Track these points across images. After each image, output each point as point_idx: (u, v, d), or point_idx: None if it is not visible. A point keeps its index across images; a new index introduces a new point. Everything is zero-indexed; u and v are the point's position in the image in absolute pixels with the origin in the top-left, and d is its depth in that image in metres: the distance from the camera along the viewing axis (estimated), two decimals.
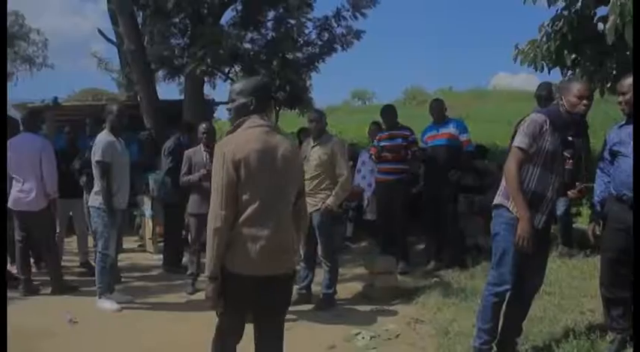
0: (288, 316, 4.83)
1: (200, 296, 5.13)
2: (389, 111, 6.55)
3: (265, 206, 2.68)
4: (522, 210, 3.26)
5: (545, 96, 5.13)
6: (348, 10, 9.32)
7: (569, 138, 3.43)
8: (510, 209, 3.37)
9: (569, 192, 3.40)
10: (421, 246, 7.03)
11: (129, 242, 8.22)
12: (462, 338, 3.99)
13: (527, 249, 3.24)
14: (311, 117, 5.32)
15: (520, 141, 3.33)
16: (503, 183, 3.46)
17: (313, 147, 5.18)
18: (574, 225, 6.30)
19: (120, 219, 5.47)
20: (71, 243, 7.32)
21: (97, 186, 5.23)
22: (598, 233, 3.71)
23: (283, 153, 2.75)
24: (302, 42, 9.53)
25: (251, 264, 2.67)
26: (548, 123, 3.34)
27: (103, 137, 5.28)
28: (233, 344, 2.96)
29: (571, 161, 3.43)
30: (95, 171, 5.23)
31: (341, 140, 5.25)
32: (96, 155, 5.18)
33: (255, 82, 2.91)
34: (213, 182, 2.68)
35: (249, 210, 2.66)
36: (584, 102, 3.34)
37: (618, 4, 4.03)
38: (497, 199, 3.48)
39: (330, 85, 62.03)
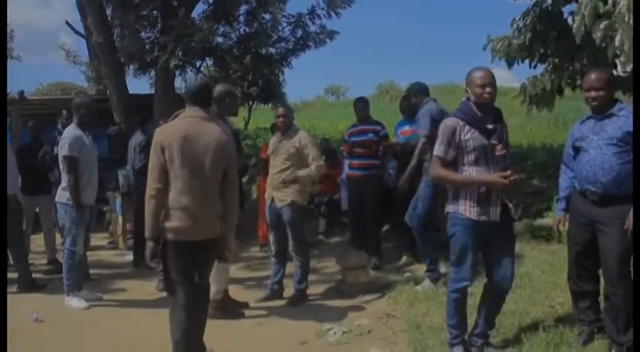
0: (259, 312, 4.89)
1: None
2: (362, 103, 6.54)
3: (187, 183, 3.31)
4: (480, 182, 3.37)
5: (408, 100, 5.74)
6: (322, 9, 9.29)
7: (490, 127, 3.45)
8: (465, 214, 3.43)
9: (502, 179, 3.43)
10: (392, 242, 7.05)
11: (99, 239, 8.10)
12: (433, 333, 4.01)
13: (516, 180, 3.32)
14: (278, 113, 5.35)
15: (437, 149, 3.49)
16: (450, 193, 3.54)
17: (281, 141, 5.17)
18: (543, 220, 6.36)
19: (88, 216, 5.36)
20: (38, 240, 7.17)
21: (65, 181, 5.13)
22: (563, 228, 3.75)
23: (206, 140, 3.35)
24: (275, 38, 9.48)
25: (180, 232, 3.30)
26: (461, 123, 3.42)
27: (71, 131, 5.18)
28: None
29: (500, 146, 3.45)
30: (62, 166, 5.13)
31: (308, 132, 5.28)
32: (63, 149, 5.08)
33: (196, 81, 3.57)
34: (149, 161, 3.35)
35: (175, 187, 3.31)
36: (488, 89, 3.41)
37: (584, 3, 4.08)
38: (448, 208, 3.55)
39: (303, 80, 61.96)
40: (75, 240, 5.16)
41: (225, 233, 3.49)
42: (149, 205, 3.30)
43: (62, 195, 5.17)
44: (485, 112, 3.46)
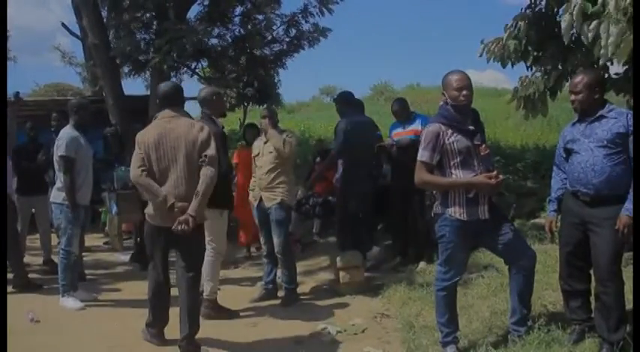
0: (253, 312, 4.91)
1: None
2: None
3: (161, 173, 3.91)
4: (466, 184, 3.41)
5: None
6: (315, 6, 9.32)
7: (471, 127, 3.50)
8: (455, 216, 3.47)
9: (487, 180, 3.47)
10: (386, 242, 7.07)
11: (94, 239, 8.11)
12: (427, 332, 4.05)
13: (497, 187, 3.40)
14: (263, 114, 5.39)
15: (421, 154, 3.50)
16: (438, 196, 3.59)
17: (266, 142, 5.21)
18: (536, 220, 6.41)
19: (83, 216, 5.38)
20: (34, 241, 7.17)
21: (60, 181, 5.15)
22: (555, 229, 3.79)
23: (176, 134, 3.92)
24: (270, 38, 9.50)
25: (153, 218, 4.00)
26: (443, 127, 3.46)
27: (68, 132, 5.21)
28: (154, 280, 4.17)
29: (484, 146, 3.50)
30: (58, 167, 5.15)
31: (294, 134, 5.38)
32: (59, 149, 5.11)
33: (165, 87, 4.21)
34: (133, 154, 3.97)
35: (153, 179, 3.90)
36: (464, 92, 3.46)
37: (573, 3, 4.11)
38: (436, 209, 3.59)
39: (298, 81, 61.97)
40: (70, 240, 5.18)
41: (196, 203, 3.88)
42: (141, 187, 3.97)
43: (57, 195, 5.19)
44: (463, 115, 3.50)
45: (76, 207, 5.13)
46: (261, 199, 5.21)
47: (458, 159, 3.45)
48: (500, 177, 3.42)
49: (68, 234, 5.16)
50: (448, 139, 3.45)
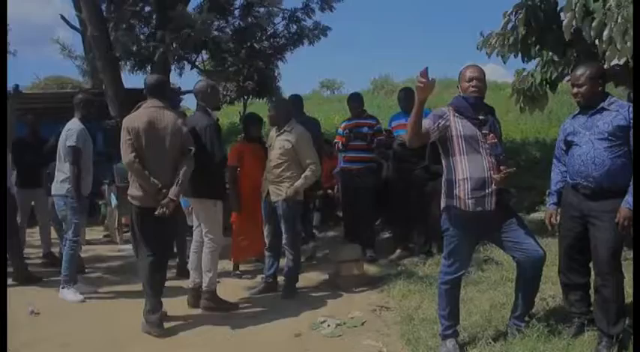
0: (253, 304, 4.91)
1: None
2: (356, 98, 6.58)
3: (148, 158, 4.21)
4: (413, 114, 3.32)
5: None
6: (317, 3, 9.28)
7: (481, 117, 3.49)
8: (460, 207, 3.45)
9: (494, 176, 3.45)
10: (388, 234, 7.09)
11: (94, 232, 8.12)
12: (426, 325, 4.05)
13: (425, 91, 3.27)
14: (274, 106, 5.34)
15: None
16: (443, 188, 3.57)
17: (278, 135, 5.17)
18: (536, 214, 6.41)
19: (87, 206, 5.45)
20: (33, 234, 7.18)
21: (63, 173, 5.19)
22: (555, 221, 3.79)
23: (164, 125, 4.25)
24: (270, 32, 9.47)
25: (140, 199, 4.26)
26: (451, 110, 3.48)
27: (76, 124, 5.28)
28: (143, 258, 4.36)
29: (492, 135, 3.48)
30: (64, 157, 5.21)
31: (305, 130, 5.20)
32: (70, 140, 5.17)
33: (152, 78, 4.65)
34: (122, 140, 4.21)
35: (140, 162, 4.17)
36: (474, 83, 3.48)
37: (574, 1, 4.10)
38: (443, 202, 3.58)
39: (299, 75, 61.72)
40: (77, 230, 5.26)
41: (177, 189, 4.26)
42: (138, 172, 4.19)
43: (60, 187, 5.22)
44: (474, 106, 3.49)
45: (80, 197, 5.18)
46: (268, 192, 5.19)
47: (463, 145, 3.43)
48: (506, 172, 3.42)
49: (75, 224, 5.21)
50: (454, 123, 3.44)
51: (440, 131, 3.46)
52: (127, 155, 4.18)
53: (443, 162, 3.56)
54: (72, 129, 5.23)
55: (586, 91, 3.48)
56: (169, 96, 4.78)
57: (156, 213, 4.17)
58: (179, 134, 4.31)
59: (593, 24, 4.00)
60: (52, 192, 5.37)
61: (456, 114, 3.47)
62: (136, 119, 4.25)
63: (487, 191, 3.42)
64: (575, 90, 3.52)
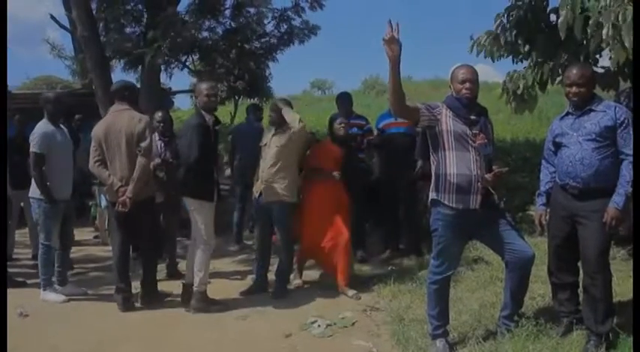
0: (243, 305, 4.90)
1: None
2: (344, 98, 6.57)
3: (112, 159, 4.70)
4: (390, 77, 3.30)
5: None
6: (307, 2, 9.28)
7: (473, 117, 3.50)
8: (444, 202, 3.46)
9: (485, 176, 3.46)
10: (376, 236, 7.08)
11: (84, 233, 8.07)
12: (416, 325, 4.07)
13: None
14: (273, 108, 5.30)
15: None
16: (433, 179, 3.56)
17: (273, 135, 5.16)
18: (525, 214, 6.43)
19: (63, 210, 5.26)
20: (24, 235, 7.16)
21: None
22: (544, 222, 3.80)
23: (119, 127, 4.65)
24: (260, 32, 9.46)
25: (110, 194, 4.82)
26: (444, 107, 3.49)
27: (42, 127, 5.13)
28: (120, 252, 4.93)
29: (482, 135, 3.48)
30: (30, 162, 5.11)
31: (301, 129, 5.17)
32: (32, 146, 5.04)
33: (117, 84, 5.01)
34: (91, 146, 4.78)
35: (106, 164, 4.72)
36: (467, 85, 3.48)
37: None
38: (431, 195, 3.58)
39: (290, 75, 61.73)
40: (49, 234, 5.15)
41: (131, 187, 4.64)
42: (99, 173, 4.76)
43: (35, 190, 5.12)
44: (466, 107, 3.50)
45: (52, 202, 5.05)
46: (260, 193, 5.17)
47: (452, 141, 3.44)
48: (500, 170, 3.43)
49: (46, 228, 5.12)
50: (445, 117, 3.45)
51: (429, 118, 3.45)
52: (90, 159, 4.75)
53: (432, 156, 3.57)
54: (35, 133, 5.08)
55: (585, 92, 3.49)
56: (134, 99, 5.00)
57: (115, 208, 4.69)
58: (133, 134, 4.64)
59: (590, 22, 4.01)
60: (29, 194, 5.25)
61: (449, 111, 3.48)
62: (97, 126, 4.76)
63: (472, 189, 3.42)
64: (575, 90, 3.50)
